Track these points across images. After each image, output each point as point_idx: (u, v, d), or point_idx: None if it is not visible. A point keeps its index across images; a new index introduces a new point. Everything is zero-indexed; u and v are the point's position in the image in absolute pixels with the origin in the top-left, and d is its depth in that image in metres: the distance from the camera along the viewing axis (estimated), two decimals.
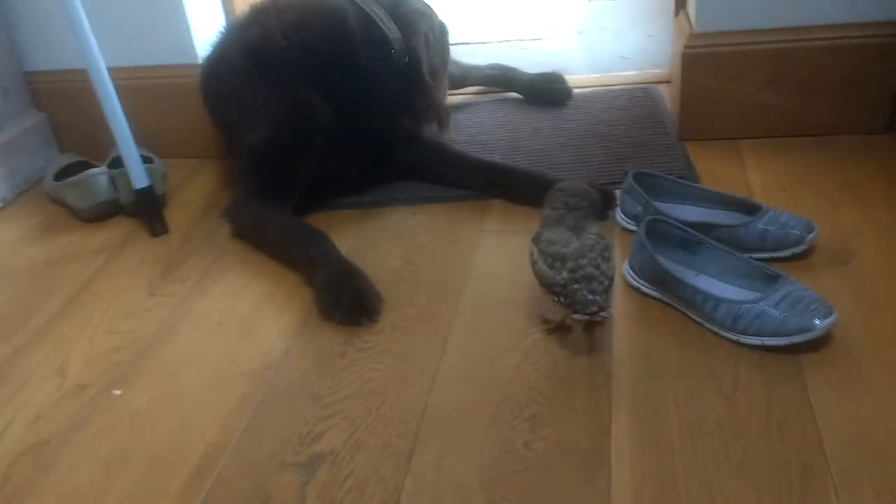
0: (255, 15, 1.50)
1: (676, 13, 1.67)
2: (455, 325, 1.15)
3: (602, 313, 1.02)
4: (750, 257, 1.12)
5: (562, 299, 1.05)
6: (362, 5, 1.49)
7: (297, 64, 1.43)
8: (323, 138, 1.45)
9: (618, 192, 1.34)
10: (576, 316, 1.04)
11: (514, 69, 1.88)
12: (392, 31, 1.49)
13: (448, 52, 1.69)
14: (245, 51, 1.47)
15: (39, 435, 1.04)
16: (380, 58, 1.47)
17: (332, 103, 1.45)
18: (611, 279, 1.05)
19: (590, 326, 1.09)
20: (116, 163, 1.55)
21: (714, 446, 0.89)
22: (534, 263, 1.09)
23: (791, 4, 1.44)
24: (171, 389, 1.10)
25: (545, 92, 1.81)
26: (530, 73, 1.86)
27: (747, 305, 1.02)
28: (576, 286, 1.03)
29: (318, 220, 1.44)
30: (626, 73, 1.91)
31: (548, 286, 1.07)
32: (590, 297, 1.02)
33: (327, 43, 1.44)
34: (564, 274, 1.03)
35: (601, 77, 1.91)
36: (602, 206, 1.33)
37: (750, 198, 1.29)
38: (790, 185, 1.37)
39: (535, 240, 1.10)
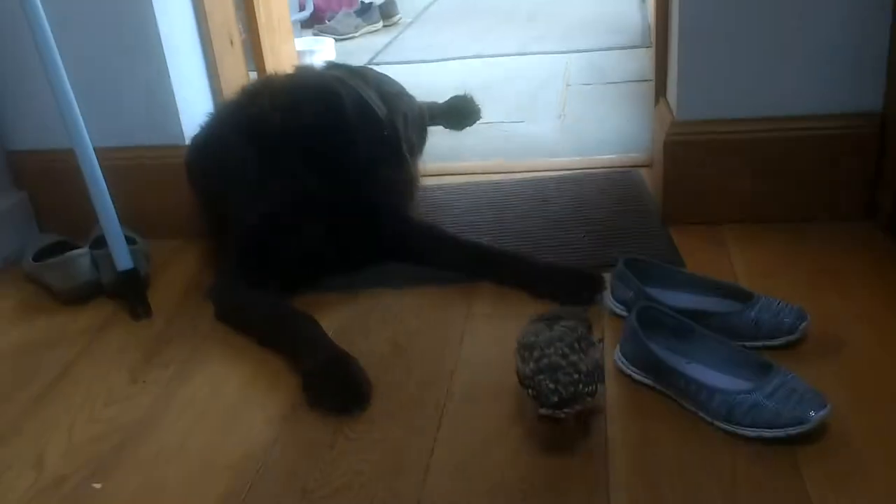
0: (250, 97, 1.52)
1: (657, 101, 1.72)
2: (446, 413, 1.13)
3: (566, 409, 0.97)
4: (742, 346, 1.12)
5: (530, 392, 1.00)
6: (356, 87, 1.52)
7: (292, 143, 1.44)
8: (315, 217, 1.45)
9: (607, 277, 1.34)
10: (541, 410, 0.98)
11: (430, 102, 1.92)
12: (382, 112, 1.52)
13: (426, 134, 1.72)
14: (240, 130, 1.48)
15: None
16: (371, 137, 1.49)
17: (326, 184, 1.46)
18: (583, 372, 0.98)
19: (583, 417, 1.07)
20: (98, 242, 1.53)
21: None
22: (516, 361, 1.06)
23: (770, 95, 1.49)
24: (154, 482, 1.06)
25: (460, 112, 1.90)
26: (442, 103, 1.90)
27: (742, 396, 1.02)
28: (541, 377, 0.98)
29: (305, 302, 1.42)
30: (606, 157, 1.95)
31: (520, 380, 1.03)
32: (551, 386, 0.96)
33: (322, 123, 1.45)
34: (531, 365, 1.00)
35: (583, 160, 1.94)
36: (591, 289, 1.34)
37: (737, 284, 1.30)
38: (774, 271, 1.39)
39: (518, 339, 1.08)
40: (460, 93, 2.01)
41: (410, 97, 1.65)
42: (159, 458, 1.10)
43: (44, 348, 1.39)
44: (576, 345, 1.00)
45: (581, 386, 0.97)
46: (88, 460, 1.11)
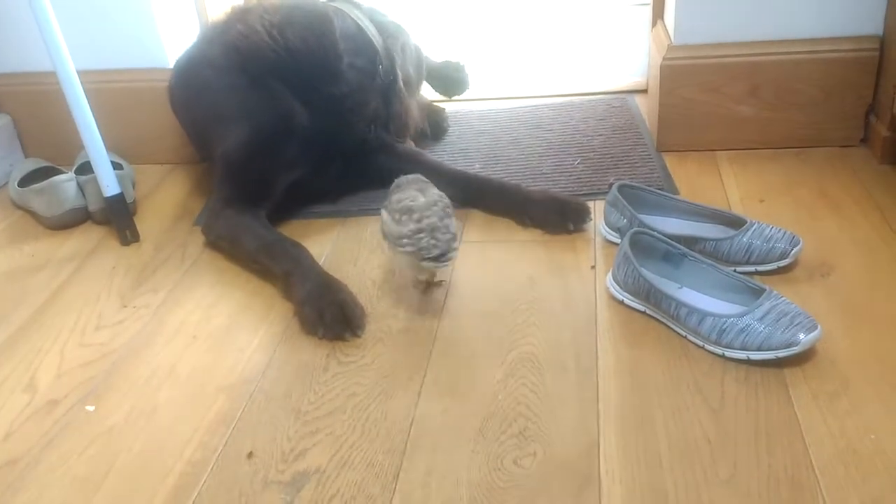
0: (239, 14, 1.47)
1: (654, 24, 1.68)
2: (438, 338, 1.13)
3: (448, 255, 1.13)
4: (734, 270, 1.12)
5: (408, 248, 1.13)
6: (352, 15, 1.47)
7: (277, 64, 1.40)
8: (299, 144, 1.42)
9: (601, 203, 1.33)
10: (423, 263, 1.13)
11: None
12: (379, 43, 1.48)
13: (423, 69, 1.68)
14: (225, 48, 1.43)
15: (9, 454, 1.00)
16: (362, 67, 1.45)
17: (309, 107, 1.43)
18: (453, 234, 1.15)
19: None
20: (84, 168, 1.51)
21: (703, 462, 0.89)
22: (383, 227, 1.19)
23: (769, 18, 1.46)
24: (147, 405, 1.06)
25: (447, 80, 1.84)
26: (436, 61, 1.84)
27: (732, 319, 1.02)
28: (421, 234, 1.13)
29: (294, 229, 1.41)
30: (602, 83, 1.91)
31: (395, 239, 1.15)
32: (432, 241, 1.12)
33: (310, 45, 1.41)
34: (411, 225, 1.13)
35: (578, 86, 1.91)
36: (576, 219, 1.33)
37: (730, 210, 1.30)
38: (768, 197, 1.38)
39: (386, 206, 1.20)
40: (453, 60, 1.91)
41: (408, 35, 1.60)
42: (151, 382, 1.10)
43: (32, 274, 1.38)
44: (447, 210, 1.18)
45: (453, 243, 1.15)
46: (80, 383, 1.11)
